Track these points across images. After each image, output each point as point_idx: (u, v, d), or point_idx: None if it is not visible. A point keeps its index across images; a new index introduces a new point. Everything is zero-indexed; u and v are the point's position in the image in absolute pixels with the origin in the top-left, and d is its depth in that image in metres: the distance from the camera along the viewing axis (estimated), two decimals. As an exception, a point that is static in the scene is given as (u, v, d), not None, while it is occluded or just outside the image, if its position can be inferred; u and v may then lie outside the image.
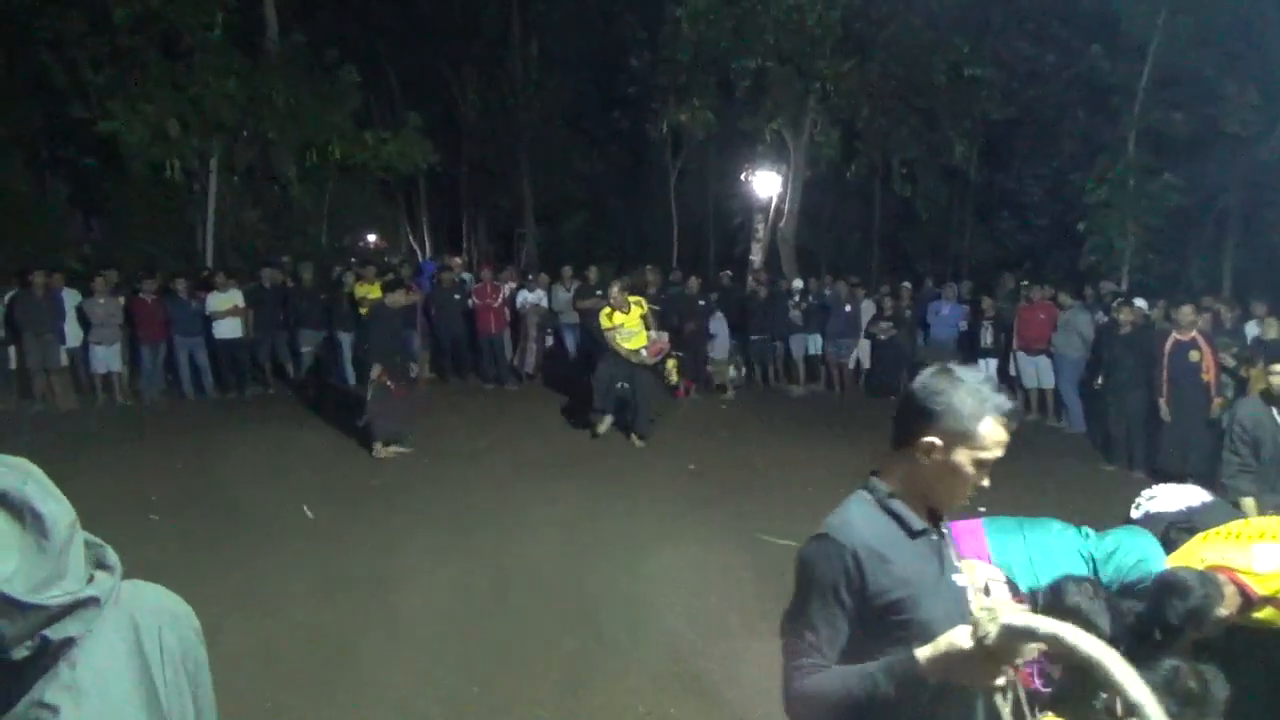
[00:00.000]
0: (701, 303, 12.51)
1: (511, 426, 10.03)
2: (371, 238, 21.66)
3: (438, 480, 8.03)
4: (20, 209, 14.52)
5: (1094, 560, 3.08)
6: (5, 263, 12.44)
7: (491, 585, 5.61)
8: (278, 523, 6.82)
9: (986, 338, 11.81)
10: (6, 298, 10.93)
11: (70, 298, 11.21)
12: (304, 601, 5.37)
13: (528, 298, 13.00)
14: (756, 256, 18.43)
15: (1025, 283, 12.39)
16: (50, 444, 9.16)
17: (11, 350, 10.92)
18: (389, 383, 8.48)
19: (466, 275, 14.27)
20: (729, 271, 15.53)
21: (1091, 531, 3.25)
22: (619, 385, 9.27)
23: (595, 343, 12.65)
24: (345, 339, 12.12)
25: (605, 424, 9.34)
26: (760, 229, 18.67)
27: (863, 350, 12.58)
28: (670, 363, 9.57)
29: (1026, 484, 8.09)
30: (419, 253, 23.98)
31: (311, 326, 12.05)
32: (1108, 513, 7.28)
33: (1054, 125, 17.56)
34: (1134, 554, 3.05)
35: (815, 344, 12.90)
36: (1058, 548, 3.12)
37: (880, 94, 16.76)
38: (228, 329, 11.55)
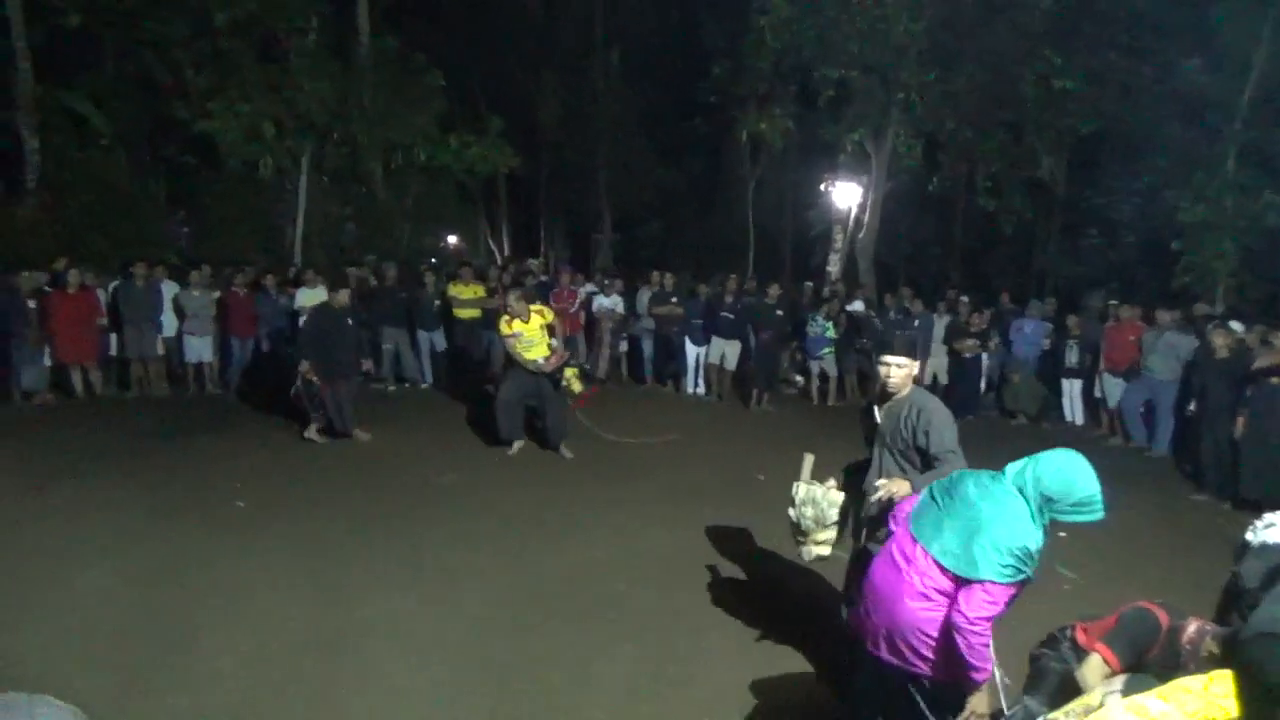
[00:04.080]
0: (779, 312, 12.45)
1: (579, 430, 10.11)
2: (452, 239, 22.10)
3: (505, 481, 8.14)
4: (124, 204, 15.17)
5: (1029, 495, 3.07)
6: (109, 255, 13.02)
7: (547, 589, 5.65)
8: (349, 516, 7.00)
9: (1071, 357, 11.51)
10: (110, 288, 11.45)
11: (168, 289, 11.68)
12: (374, 595, 5.49)
13: (603, 303, 13.10)
14: (834, 268, 18.27)
15: (1114, 302, 12.04)
16: (144, 430, 9.57)
17: (113, 338, 11.42)
18: (314, 379, 8.66)
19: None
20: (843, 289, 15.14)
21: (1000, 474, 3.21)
22: (527, 404, 8.99)
23: (671, 347, 12.76)
24: (426, 337, 12.39)
25: (517, 447, 9.05)
26: (838, 240, 18.51)
27: (939, 366, 12.34)
28: (570, 371, 9.28)
29: (1112, 512, 7.87)
30: (497, 255, 24.35)
31: (393, 324, 12.31)
32: (1197, 544, 7.08)
33: (1145, 140, 17.04)
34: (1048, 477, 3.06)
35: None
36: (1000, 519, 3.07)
37: (965, 105, 16.49)
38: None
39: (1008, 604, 3.01)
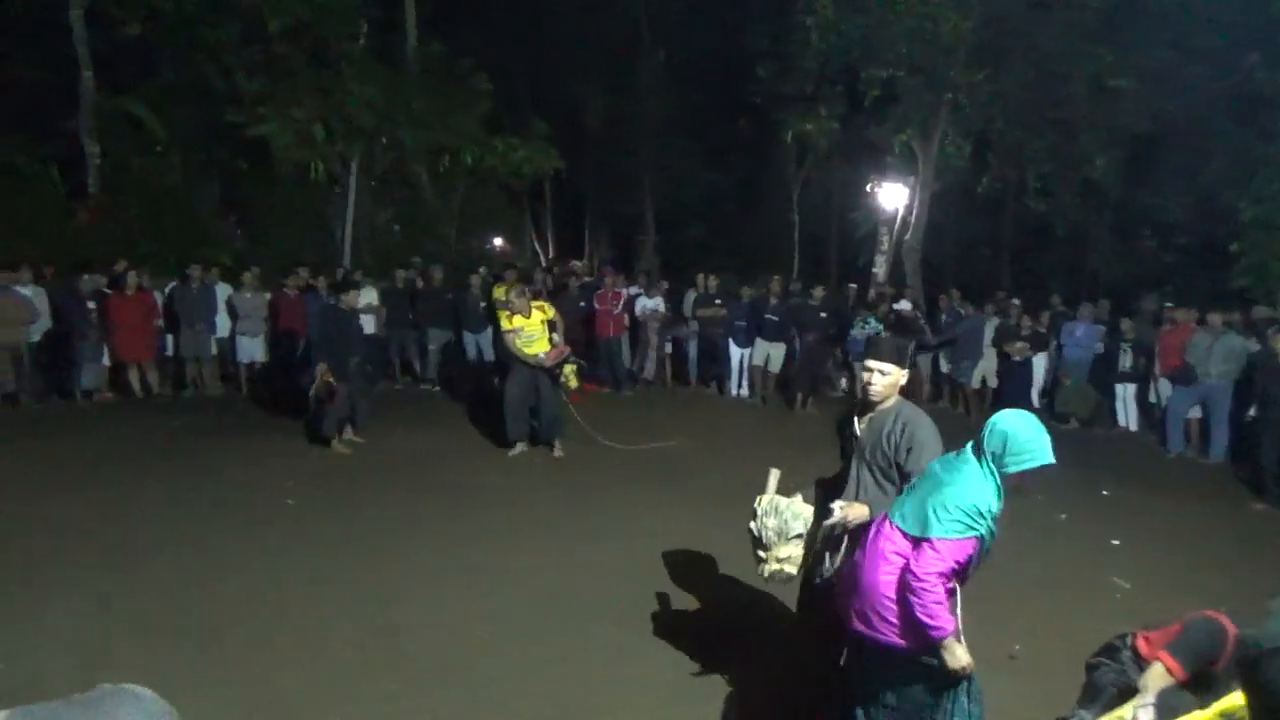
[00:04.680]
0: (824, 314, 12.36)
1: (625, 432, 10.11)
2: (498, 241, 22.27)
3: (545, 482, 8.19)
4: (180, 208, 15.52)
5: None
6: (166, 257, 13.33)
7: (586, 590, 5.64)
8: (394, 515, 7.08)
9: (1125, 361, 11.27)
10: (167, 289, 11.73)
11: (221, 291, 11.93)
12: (416, 594, 5.54)
13: (646, 304, 13.10)
14: (880, 269, 18.10)
15: (1169, 304, 11.77)
16: (199, 428, 9.78)
17: (169, 338, 11.70)
18: (330, 380, 8.71)
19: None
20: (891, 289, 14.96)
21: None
22: (529, 405, 8.97)
23: (715, 349, 12.73)
24: (471, 338, 12.50)
25: (519, 449, 9.04)
26: (885, 241, 18.33)
27: (989, 370, 12.15)
28: (569, 368, 9.22)
29: (1166, 520, 7.71)
30: (542, 257, 24.49)
31: (440, 325, 12.45)
32: (1256, 553, 6.90)
33: (1201, 140, 16.62)
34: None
35: (944, 362, 12.61)
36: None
37: (1015, 105, 16.23)
38: (364, 326, 12.03)
39: (962, 564, 3.04)
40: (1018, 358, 11.69)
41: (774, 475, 4.09)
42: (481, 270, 13.67)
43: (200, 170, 17.12)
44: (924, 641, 3.08)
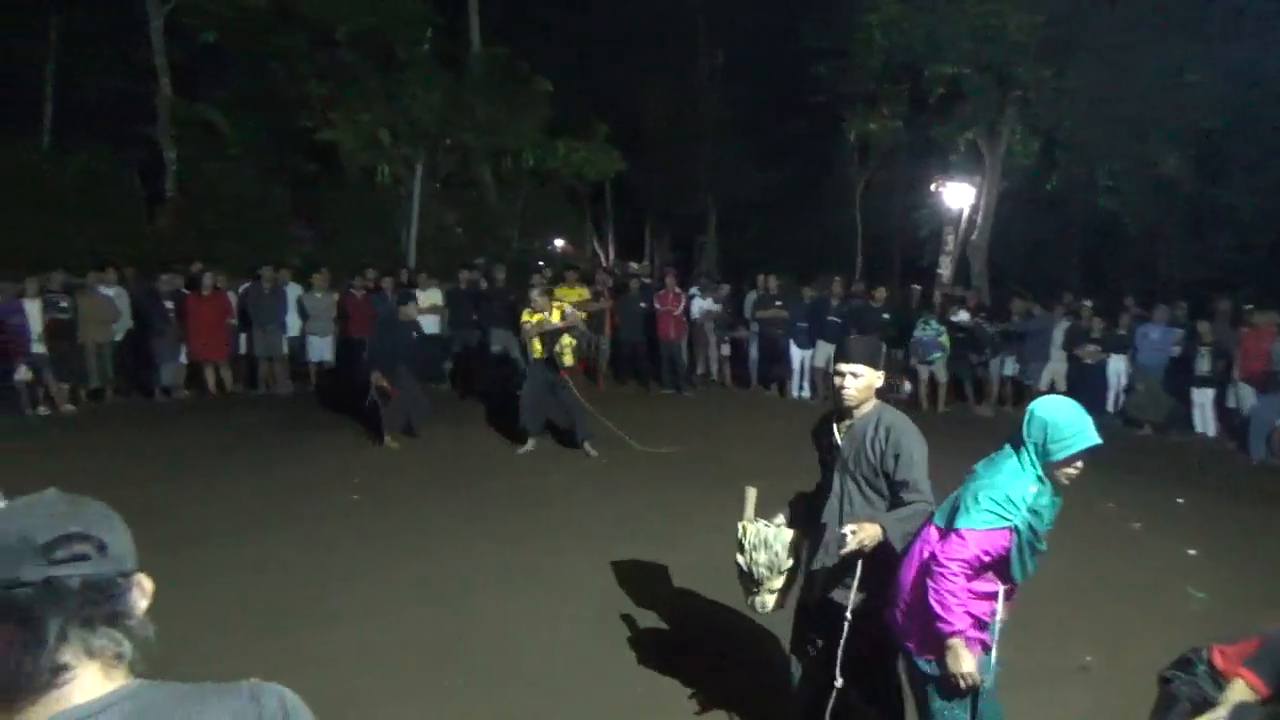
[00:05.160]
0: (886, 315, 12.21)
1: (684, 433, 10.12)
2: (559, 242, 22.45)
3: (608, 482, 8.22)
4: (252, 211, 15.97)
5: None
6: (239, 259, 13.72)
7: (646, 593, 5.64)
8: (457, 513, 7.18)
9: (1202, 365, 10.91)
10: (240, 290, 12.08)
11: (292, 292, 12.24)
12: (477, 592, 5.60)
13: (701, 304, 13.08)
14: (945, 270, 17.82)
15: (1248, 306, 11.37)
16: (271, 425, 10.06)
17: (242, 338, 12.04)
18: (385, 384, 9.02)
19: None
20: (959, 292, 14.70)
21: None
22: (547, 404, 9.13)
23: (776, 350, 12.66)
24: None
25: (529, 445, 9.18)
26: (950, 241, 18.04)
27: (1058, 373, 11.87)
28: (567, 341, 9.15)
29: (1245, 530, 7.46)
30: (602, 257, 24.62)
31: (502, 326, 12.57)
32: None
33: (1277, 134, 15.99)
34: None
35: (1011, 365, 12.37)
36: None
37: (1084, 101, 15.83)
38: (427, 325, 12.22)
39: (992, 556, 2.94)
40: (1089, 361, 11.40)
41: (751, 495, 3.79)
42: (544, 270, 13.81)
43: (272, 174, 17.60)
44: (931, 641, 3.00)
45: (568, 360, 9.13)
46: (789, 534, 3.62)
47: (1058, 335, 11.93)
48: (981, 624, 3.02)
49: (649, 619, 5.27)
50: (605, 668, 4.68)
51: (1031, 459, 2.96)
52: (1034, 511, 2.93)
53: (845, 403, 3.47)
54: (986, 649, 3.04)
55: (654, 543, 6.54)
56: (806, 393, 12.48)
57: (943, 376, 12.26)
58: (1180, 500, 8.24)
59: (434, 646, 4.85)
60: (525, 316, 9.15)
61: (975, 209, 17.03)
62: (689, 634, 5.10)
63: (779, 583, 3.63)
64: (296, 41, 16.58)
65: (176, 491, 7.37)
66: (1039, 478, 2.95)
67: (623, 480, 8.29)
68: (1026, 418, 3.01)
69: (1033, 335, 12.06)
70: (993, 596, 3.01)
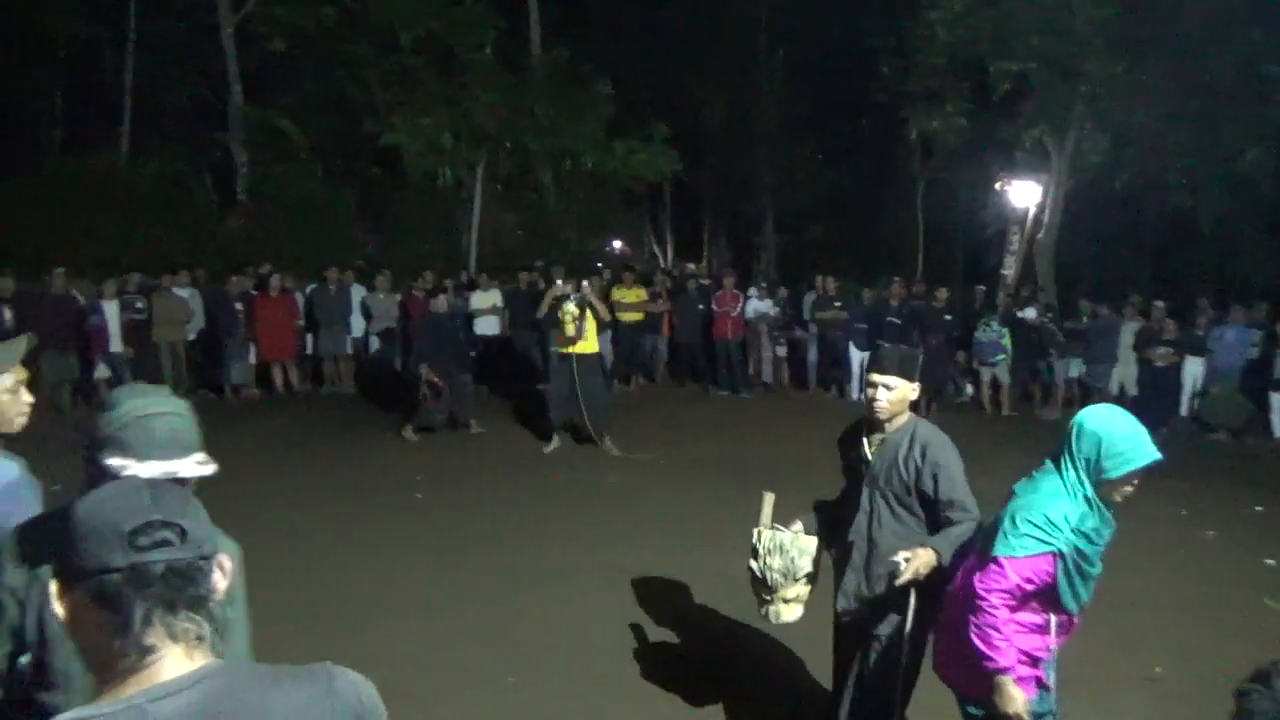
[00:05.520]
0: (948, 316, 12.01)
1: (740, 434, 10.07)
2: (617, 243, 22.54)
3: (668, 481, 8.23)
4: (319, 214, 16.34)
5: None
6: (306, 261, 14.06)
7: (706, 591, 5.61)
8: (517, 511, 7.27)
9: (1283, 368, 10.51)
10: (306, 291, 12.37)
11: (356, 293, 12.49)
12: (535, 590, 5.65)
13: (756, 306, 13.00)
14: (1010, 270, 17.46)
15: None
16: (336, 423, 10.28)
17: (309, 338, 12.32)
18: (435, 380, 9.20)
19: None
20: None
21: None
22: (573, 399, 9.08)
23: (834, 352, 12.53)
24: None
25: (555, 443, 9.26)
26: (1015, 241, 17.66)
27: (1128, 376, 11.53)
28: (569, 306, 8.95)
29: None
30: (660, 258, 24.64)
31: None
32: None
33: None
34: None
35: (1078, 367, 12.06)
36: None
37: (1157, 96, 15.34)
38: (487, 326, 12.40)
39: (1036, 585, 2.69)
40: (1160, 364, 11.06)
41: (768, 500, 3.62)
42: (602, 272, 13.88)
43: (337, 178, 17.99)
44: (976, 680, 2.77)
45: (569, 328, 8.98)
46: (807, 541, 3.46)
47: (1126, 336, 11.58)
48: (1034, 660, 2.79)
49: (706, 618, 5.26)
50: (661, 666, 4.68)
51: (1079, 477, 2.70)
52: (1081, 534, 2.68)
53: (877, 415, 3.29)
54: (1043, 687, 2.82)
55: (712, 542, 6.52)
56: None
57: (1005, 379, 12.01)
58: (1259, 508, 7.95)
59: (494, 641, 4.91)
60: (548, 299, 9.33)
61: (1042, 207, 16.64)
62: (745, 635, 5.07)
63: (793, 591, 3.45)
64: (363, 48, 16.93)
65: (244, 488, 7.55)
66: (1087, 498, 2.69)
67: (679, 480, 8.28)
68: (1073, 431, 2.73)
69: (1100, 336, 11.75)
70: (1043, 629, 2.79)
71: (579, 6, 20.83)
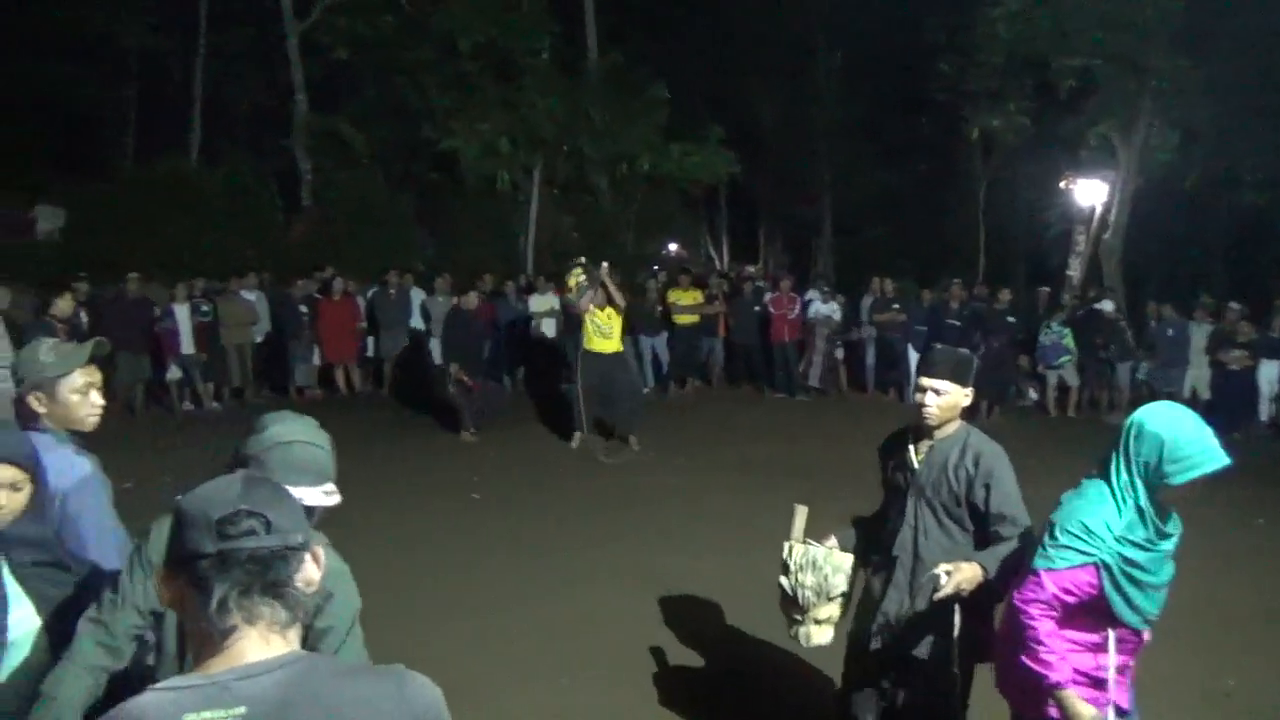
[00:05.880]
0: (1011, 318, 11.76)
1: (795, 437, 9.97)
2: (673, 246, 22.53)
3: (722, 484, 8.17)
4: (379, 218, 16.63)
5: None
6: (367, 264, 14.30)
7: (760, 595, 5.57)
8: (572, 512, 7.29)
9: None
10: (368, 294, 12.58)
11: (415, 296, 12.67)
12: (587, 590, 5.67)
13: (819, 309, 12.87)
14: (1075, 271, 17.05)
15: None
16: (394, 424, 10.42)
17: (370, 340, 12.53)
18: (464, 379, 9.31)
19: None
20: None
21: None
22: (601, 392, 9.09)
23: (893, 354, 12.36)
24: (647, 342, 12.68)
25: (579, 439, 9.26)
26: (1080, 241, 17.24)
27: (1200, 380, 11.16)
28: (577, 270, 8.97)
29: None
30: (716, 260, 24.57)
31: (616, 330, 12.67)
32: None
33: None
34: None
35: (1144, 370, 11.72)
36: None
37: (1226, 90, 14.82)
38: (545, 329, 12.45)
39: (1078, 597, 2.50)
40: (1235, 367, 10.68)
41: (800, 514, 3.41)
42: (658, 274, 13.87)
43: (397, 183, 18.28)
44: (1030, 699, 2.62)
45: (572, 285, 8.98)
46: (842, 558, 3.25)
47: (1198, 339, 11.22)
48: (1095, 681, 2.59)
49: (761, 624, 5.22)
50: (712, 671, 4.67)
51: (1133, 482, 2.48)
52: (1129, 541, 2.47)
53: (927, 421, 3.10)
54: (1122, 713, 2.62)
55: (767, 545, 6.47)
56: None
57: (1073, 381, 11.71)
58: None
59: (546, 640, 4.93)
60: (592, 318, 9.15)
61: (1108, 207, 16.21)
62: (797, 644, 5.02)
63: (826, 611, 3.23)
64: (423, 55, 17.18)
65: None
66: (1139, 507, 2.47)
67: (733, 482, 8.23)
68: (1130, 432, 2.50)
69: (1169, 339, 11.40)
70: (1100, 647, 2.59)
71: (634, 10, 20.88)
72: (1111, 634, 2.57)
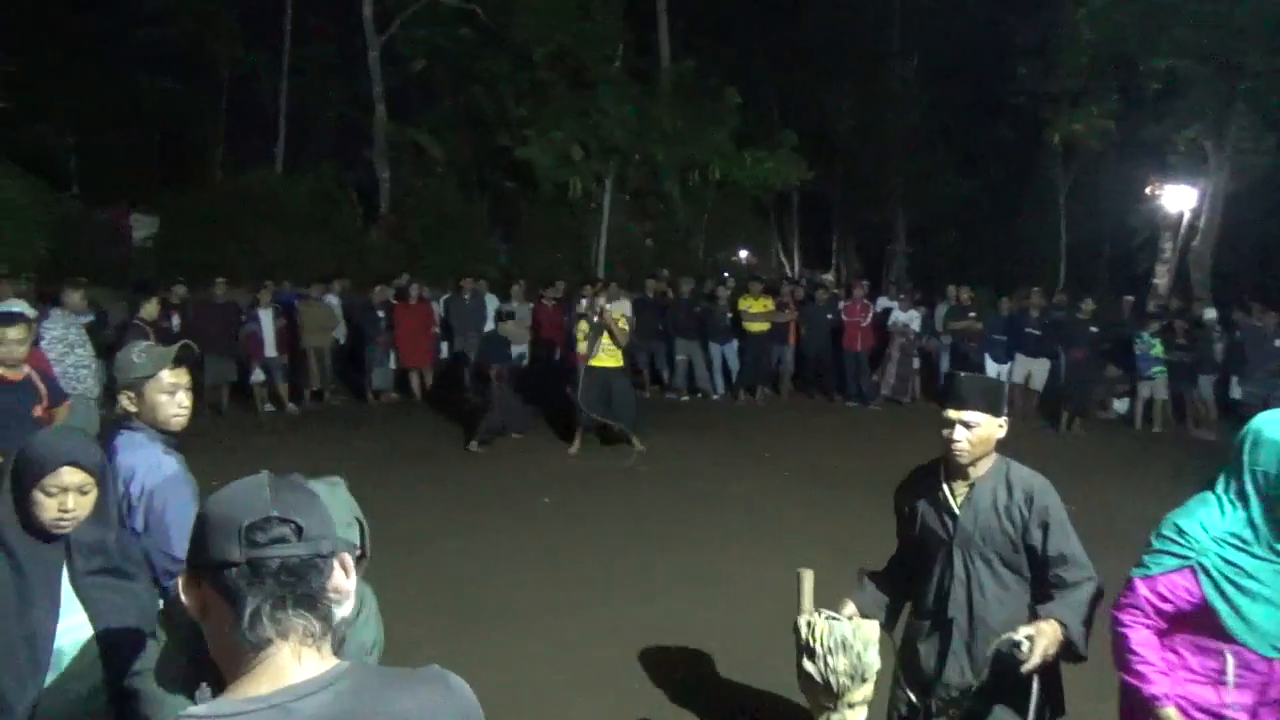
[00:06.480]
0: (1093, 328, 11.37)
1: (866, 448, 9.78)
2: (744, 253, 22.39)
3: (796, 493, 8.07)
4: (454, 225, 16.91)
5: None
6: (442, 270, 14.54)
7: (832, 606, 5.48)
8: (643, 519, 7.27)
9: None
10: (442, 300, 12.78)
11: (490, 302, 12.82)
12: (662, 598, 5.64)
13: (899, 317, 12.63)
14: (1162, 279, 16.42)
15: None
16: (468, 427, 10.53)
17: (444, 344, 12.72)
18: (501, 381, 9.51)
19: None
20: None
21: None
22: (600, 401, 9.24)
23: (969, 364, 12.04)
24: (717, 349, 12.61)
25: (576, 445, 9.38)
26: (1167, 248, 16.60)
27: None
28: (583, 325, 9.28)
29: None
30: (788, 268, 24.35)
31: (687, 336, 12.64)
32: None
33: None
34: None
35: (1235, 384, 11.19)
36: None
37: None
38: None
39: (1172, 604, 2.31)
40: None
41: (807, 579, 3.03)
42: (728, 281, 13.79)
43: (472, 190, 18.57)
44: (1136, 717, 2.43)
45: (581, 347, 9.29)
46: (870, 629, 2.80)
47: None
48: (1215, 716, 2.33)
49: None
50: (782, 679, 4.58)
51: (1243, 491, 2.29)
52: (1229, 544, 2.26)
53: (957, 458, 2.74)
54: None
55: (838, 553, 6.35)
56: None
57: (1162, 394, 11.25)
58: None
59: (621, 648, 4.91)
60: (581, 327, 9.46)
61: (1197, 212, 15.60)
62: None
63: (861, 693, 2.75)
64: (497, 65, 17.44)
65: (381, 490, 7.85)
66: (1251, 520, 2.26)
67: (803, 493, 8.11)
68: (1247, 441, 2.31)
69: (1260, 349, 10.87)
70: (1218, 678, 2.31)
71: (707, 16, 20.85)
72: (1229, 658, 2.29)
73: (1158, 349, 11.10)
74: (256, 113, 21.07)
